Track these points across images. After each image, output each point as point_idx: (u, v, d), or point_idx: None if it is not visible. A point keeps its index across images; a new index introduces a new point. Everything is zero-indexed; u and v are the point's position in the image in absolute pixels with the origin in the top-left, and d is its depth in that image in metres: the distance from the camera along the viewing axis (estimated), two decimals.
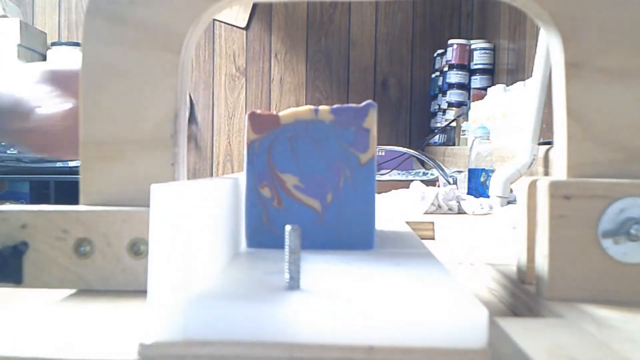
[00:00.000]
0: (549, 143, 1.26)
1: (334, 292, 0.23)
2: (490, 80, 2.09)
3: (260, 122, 0.34)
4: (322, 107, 0.34)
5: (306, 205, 0.34)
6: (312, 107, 0.34)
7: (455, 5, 2.73)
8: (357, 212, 0.34)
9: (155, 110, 0.33)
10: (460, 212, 0.80)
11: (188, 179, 0.34)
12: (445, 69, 2.26)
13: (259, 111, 0.34)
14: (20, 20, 2.20)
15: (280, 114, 0.34)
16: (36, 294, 0.32)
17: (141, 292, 0.31)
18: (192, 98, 2.80)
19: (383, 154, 1.52)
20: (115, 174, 0.33)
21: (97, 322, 0.26)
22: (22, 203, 1.83)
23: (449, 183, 1.11)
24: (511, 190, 0.96)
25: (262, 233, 0.34)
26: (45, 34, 2.44)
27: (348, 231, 0.34)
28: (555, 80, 0.33)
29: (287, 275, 0.23)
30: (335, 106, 0.34)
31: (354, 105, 0.34)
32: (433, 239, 0.65)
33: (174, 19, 0.33)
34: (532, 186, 0.32)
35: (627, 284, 0.30)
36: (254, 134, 0.34)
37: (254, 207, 0.34)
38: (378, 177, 0.67)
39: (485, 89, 1.97)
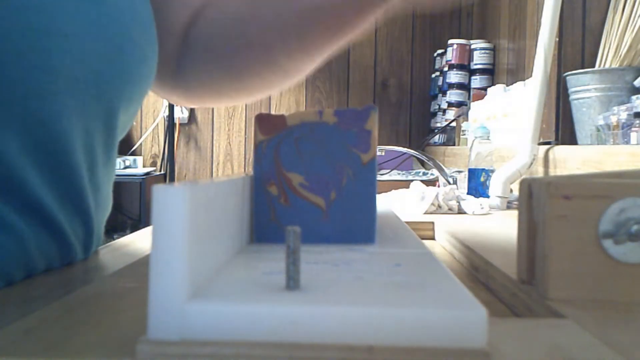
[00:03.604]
0: (549, 143, 1.26)
1: (334, 292, 0.23)
2: (490, 80, 2.09)
3: (268, 124, 0.36)
4: (326, 110, 0.36)
5: (311, 202, 0.35)
6: (316, 109, 0.36)
7: (455, 5, 2.73)
8: (359, 209, 0.35)
9: None
10: (460, 212, 0.80)
11: (188, 179, 0.34)
12: (445, 69, 2.26)
13: (266, 113, 0.36)
14: None
15: (287, 115, 0.36)
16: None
17: (141, 291, 0.31)
18: None
19: (383, 154, 1.52)
20: None
21: (96, 321, 0.26)
22: None
23: (449, 183, 1.11)
24: (511, 190, 0.96)
25: (269, 229, 0.35)
26: None
27: (350, 226, 0.35)
28: None
29: (287, 275, 0.23)
30: (338, 109, 0.36)
31: (356, 108, 0.36)
32: (433, 239, 0.65)
33: None
34: (532, 186, 0.32)
35: (627, 284, 0.30)
36: (262, 135, 0.36)
37: (261, 204, 0.36)
38: (378, 177, 0.67)
39: (485, 89, 1.97)
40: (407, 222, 0.49)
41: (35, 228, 0.36)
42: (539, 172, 1.17)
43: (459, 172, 1.19)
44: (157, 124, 2.81)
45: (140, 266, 0.39)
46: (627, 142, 0.98)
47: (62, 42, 0.34)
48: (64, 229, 0.38)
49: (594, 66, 1.30)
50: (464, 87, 2.20)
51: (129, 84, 0.40)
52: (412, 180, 1.07)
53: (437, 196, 0.80)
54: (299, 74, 0.52)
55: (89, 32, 0.36)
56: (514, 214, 0.77)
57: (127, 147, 2.78)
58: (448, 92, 2.23)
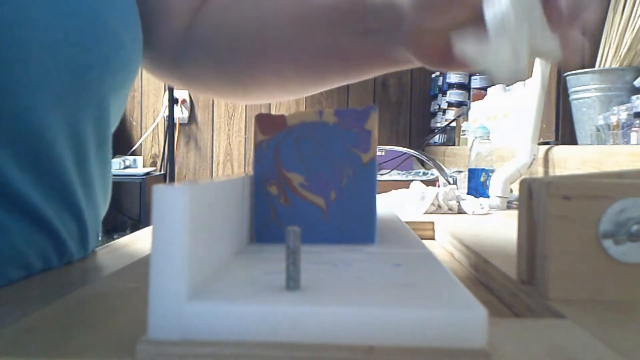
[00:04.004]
0: (549, 143, 1.26)
1: (334, 292, 0.23)
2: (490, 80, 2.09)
3: (268, 124, 0.36)
4: (326, 110, 0.36)
5: (311, 202, 0.35)
6: (316, 110, 0.36)
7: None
8: (359, 209, 0.35)
9: None
10: (460, 212, 0.80)
11: (188, 179, 0.34)
12: None
13: (266, 113, 0.36)
14: None
15: (287, 115, 0.36)
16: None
17: (141, 291, 0.31)
18: (192, 98, 2.80)
19: (383, 154, 1.52)
20: None
21: (96, 321, 0.26)
22: None
23: (449, 183, 1.11)
24: (511, 190, 0.96)
25: (269, 229, 0.36)
26: None
27: (350, 226, 0.35)
28: None
29: (287, 275, 0.23)
30: (338, 109, 0.36)
31: (356, 108, 0.36)
32: (433, 239, 0.65)
33: None
34: (532, 186, 0.32)
35: (627, 284, 0.30)
36: (262, 135, 0.36)
37: (262, 204, 0.36)
38: (378, 177, 0.67)
39: (485, 89, 1.97)
40: (407, 222, 0.49)
41: (22, 223, 0.36)
42: (539, 172, 1.17)
43: (459, 172, 1.19)
44: (157, 124, 2.81)
45: (140, 266, 0.39)
46: (627, 142, 0.98)
47: (33, 33, 0.34)
48: (53, 223, 0.38)
49: (594, 66, 1.30)
50: (464, 87, 2.20)
51: (109, 73, 0.40)
52: (412, 180, 1.07)
53: (437, 196, 0.80)
54: (305, 94, 0.53)
55: (61, 22, 0.35)
56: (514, 214, 0.77)
57: (127, 147, 2.78)
58: (448, 92, 2.23)
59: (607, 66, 1.24)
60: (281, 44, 0.48)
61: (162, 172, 2.74)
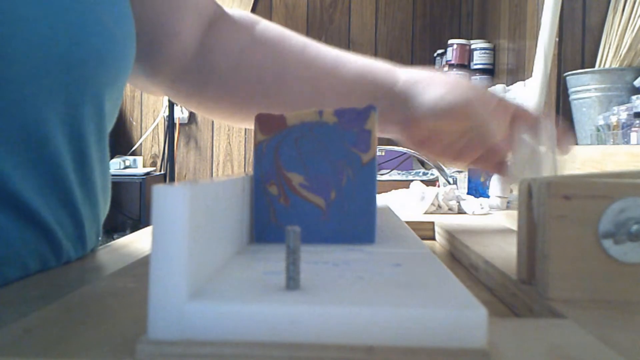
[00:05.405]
0: None
1: (334, 292, 0.23)
2: (490, 80, 2.09)
3: (268, 124, 0.36)
4: (326, 110, 0.36)
5: (311, 202, 0.35)
6: (316, 109, 0.36)
7: (455, 5, 2.73)
8: (359, 208, 0.35)
9: None
10: (460, 212, 0.80)
11: (188, 179, 0.34)
12: (445, 69, 2.26)
13: (266, 113, 0.36)
14: None
15: (287, 115, 0.36)
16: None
17: (141, 291, 0.31)
18: None
19: (383, 154, 1.52)
20: None
21: (96, 321, 0.26)
22: None
23: (449, 183, 1.11)
24: (511, 190, 0.96)
25: (269, 229, 0.35)
26: None
27: (350, 226, 0.35)
28: None
29: (287, 275, 0.23)
30: (338, 109, 0.36)
31: (356, 108, 0.36)
32: (433, 239, 0.65)
33: None
34: (532, 186, 0.32)
35: (627, 284, 0.30)
36: (262, 135, 0.36)
37: (261, 204, 0.36)
38: (378, 177, 0.67)
39: None
40: (407, 222, 0.49)
41: (18, 222, 0.36)
42: None
43: (459, 172, 1.19)
44: (157, 124, 2.81)
45: (140, 266, 0.39)
46: (627, 142, 0.98)
47: (20, 27, 0.33)
48: (48, 222, 0.38)
49: (594, 66, 1.30)
50: None
51: (102, 68, 0.39)
52: (412, 180, 1.07)
53: (437, 196, 0.80)
54: None
55: (48, 17, 0.35)
56: (514, 214, 0.77)
57: (127, 147, 2.78)
58: None
59: (607, 66, 1.24)
60: (294, 97, 0.53)
61: (162, 172, 2.74)
